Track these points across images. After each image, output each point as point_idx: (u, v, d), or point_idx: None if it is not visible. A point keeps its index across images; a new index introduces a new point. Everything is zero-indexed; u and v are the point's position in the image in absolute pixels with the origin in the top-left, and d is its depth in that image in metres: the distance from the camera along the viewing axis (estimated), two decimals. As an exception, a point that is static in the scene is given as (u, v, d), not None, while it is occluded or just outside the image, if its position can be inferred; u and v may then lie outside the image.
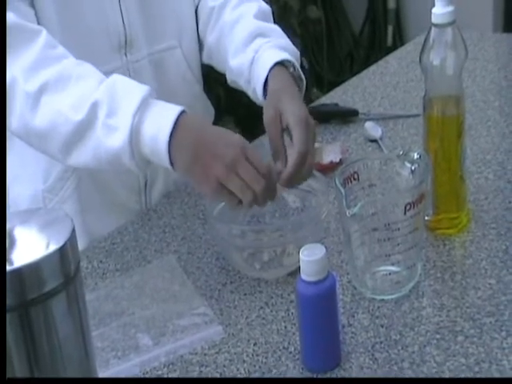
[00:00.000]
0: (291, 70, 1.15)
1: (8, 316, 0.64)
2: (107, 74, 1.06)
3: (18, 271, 0.64)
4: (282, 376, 0.88)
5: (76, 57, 1.06)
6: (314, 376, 0.87)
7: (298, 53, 1.20)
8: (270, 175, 0.98)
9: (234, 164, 0.95)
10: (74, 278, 0.69)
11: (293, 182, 1.04)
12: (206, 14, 1.29)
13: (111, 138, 0.99)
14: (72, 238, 0.68)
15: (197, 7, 1.30)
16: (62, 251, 0.67)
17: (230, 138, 0.98)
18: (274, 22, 1.27)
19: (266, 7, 1.28)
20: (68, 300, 0.69)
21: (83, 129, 1.00)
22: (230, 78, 1.25)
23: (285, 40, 1.21)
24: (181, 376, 0.90)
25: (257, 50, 1.17)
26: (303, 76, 1.17)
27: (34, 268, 0.65)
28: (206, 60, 1.32)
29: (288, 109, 1.06)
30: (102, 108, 0.99)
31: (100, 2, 1.15)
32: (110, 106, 0.99)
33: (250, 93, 1.20)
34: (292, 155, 1.02)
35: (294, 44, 1.21)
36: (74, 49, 1.08)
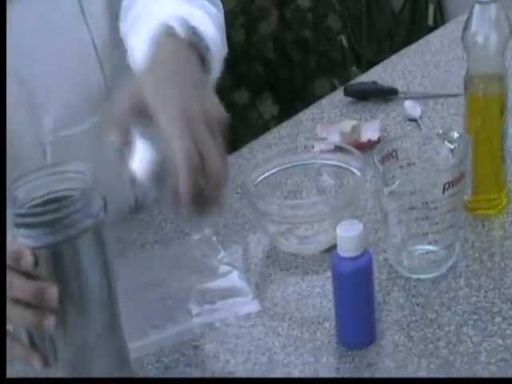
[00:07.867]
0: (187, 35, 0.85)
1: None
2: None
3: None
4: (316, 350, 0.88)
5: None
6: (349, 352, 0.87)
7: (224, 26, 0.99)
8: None
9: None
10: (101, 221, 0.75)
11: (209, 202, 0.81)
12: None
13: None
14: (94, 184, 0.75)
15: None
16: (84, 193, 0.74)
17: None
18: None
19: None
20: (95, 241, 0.75)
21: None
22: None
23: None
24: (217, 347, 0.91)
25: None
26: (212, 48, 0.88)
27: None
28: None
29: (156, 104, 0.78)
30: None
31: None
32: None
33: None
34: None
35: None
36: None
